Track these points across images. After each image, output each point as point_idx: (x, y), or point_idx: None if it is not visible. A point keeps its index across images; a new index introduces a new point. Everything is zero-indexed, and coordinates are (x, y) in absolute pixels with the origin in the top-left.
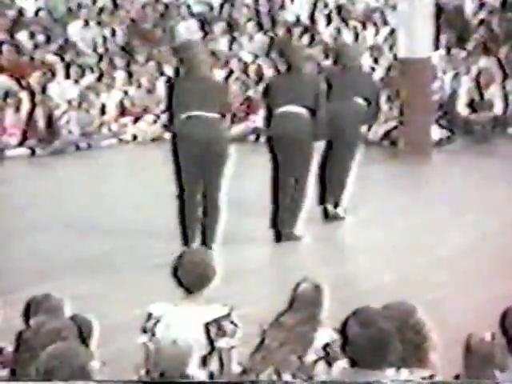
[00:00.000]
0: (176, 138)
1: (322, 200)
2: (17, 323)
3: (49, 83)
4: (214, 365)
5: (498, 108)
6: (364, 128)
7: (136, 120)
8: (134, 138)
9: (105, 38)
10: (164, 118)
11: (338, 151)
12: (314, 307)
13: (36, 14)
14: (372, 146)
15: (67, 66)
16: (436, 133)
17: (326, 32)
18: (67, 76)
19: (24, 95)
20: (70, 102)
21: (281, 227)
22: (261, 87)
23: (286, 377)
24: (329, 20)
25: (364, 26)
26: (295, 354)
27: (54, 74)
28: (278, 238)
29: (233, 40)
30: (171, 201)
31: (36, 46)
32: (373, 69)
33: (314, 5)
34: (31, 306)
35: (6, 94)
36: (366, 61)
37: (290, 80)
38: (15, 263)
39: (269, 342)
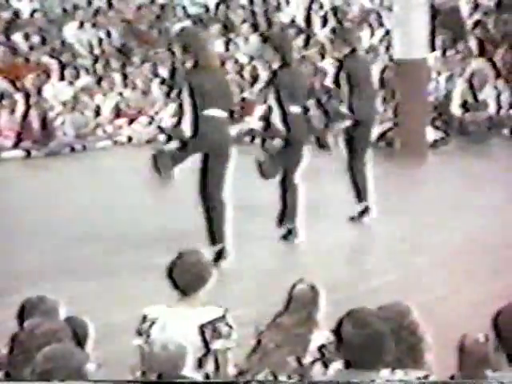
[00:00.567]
0: (194, 137)
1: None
2: (11, 325)
3: (44, 85)
4: (209, 367)
5: (492, 109)
6: None
7: (131, 122)
8: (129, 139)
9: (100, 40)
10: (158, 119)
11: None
12: (310, 308)
13: (31, 15)
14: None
15: (62, 68)
16: (431, 134)
17: (321, 33)
18: (62, 78)
19: (19, 97)
20: (64, 104)
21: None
22: (256, 88)
23: (283, 378)
24: (324, 21)
25: (359, 27)
26: (292, 355)
27: (49, 76)
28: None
29: (228, 41)
30: (166, 203)
31: (31, 48)
32: None
33: (310, 6)
34: (26, 307)
35: (1, 96)
36: None
37: (295, 76)
38: (10, 265)
39: (265, 344)
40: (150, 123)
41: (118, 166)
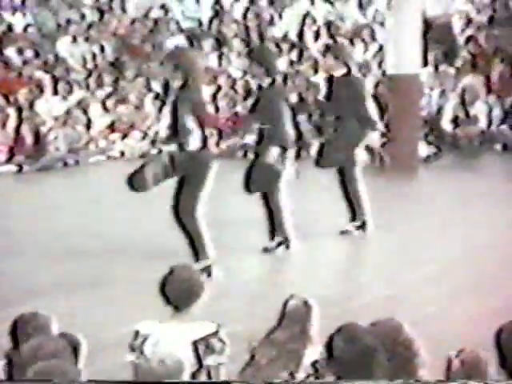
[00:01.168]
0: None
1: None
2: (3, 341)
3: (36, 99)
4: None
5: (483, 124)
6: None
7: (124, 136)
8: (122, 154)
9: (94, 54)
10: (152, 134)
11: None
12: (304, 324)
13: (25, 29)
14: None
15: (55, 82)
16: (423, 149)
17: (314, 48)
18: (55, 92)
19: (11, 111)
20: (57, 119)
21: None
22: (248, 103)
23: None
24: (317, 36)
25: (352, 43)
26: (285, 370)
27: (42, 90)
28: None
29: (221, 55)
30: (158, 217)
31: (25, 62)
32: None
33: (303, 21)
34: (18, 323)
35: None
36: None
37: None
38: (2, 282)
39: (259, 359)
40: (143, 138)
41: (111, 181)
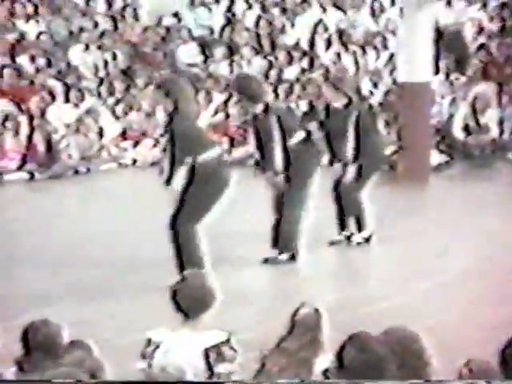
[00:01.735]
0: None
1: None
2: (15, 349)
3: (48, 107)
4: None
5: (495, 133)
6: None
7: (135, 144)
8: (134, 162)
9: (106, 62)
10: (163, 141)
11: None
12: (315, 332)
13: (37, 37)
14: None
15: (67, 90)
16: (435, 157)
17: (325, 56)
18: (67, 100)
19: (23, 119)
20: (69, 126)
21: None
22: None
23: None
24: (328, 44)
25: (364, 50)
26: (296, 378)
27: (53, 98)
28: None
29: (233, 63)
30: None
31: (37, 70)
32: (371, 93)
33: (315, 29)
34: (29, 331)
35: (6, 118)
36: (365, 85)
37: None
38: (13, 288)
39: (270, 367)
40: (155, 146)
41: (122, 189)
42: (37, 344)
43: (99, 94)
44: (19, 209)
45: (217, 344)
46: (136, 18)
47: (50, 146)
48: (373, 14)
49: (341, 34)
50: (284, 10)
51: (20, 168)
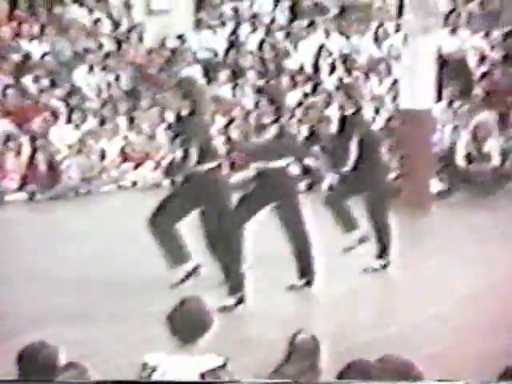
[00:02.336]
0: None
1: None
2: (11, 370)
3: (50, 128)
4: None
5: (497, 161)
6: None
7: (136, 166)
8: (134, 184)
9: (109, 83)
10: (165, 164)
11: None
12: (312, 358)
13: (42, 57)
14: None
15: (70, 111)
16: (436, 185)
17: (328, 81)
18: (69, 121)
19: (25, 140)
20: (70, 147)
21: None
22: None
23: None
24: (332, 69)
25: (367, 76)
26: None
27: (56, 119)
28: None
29: (235, 87)
30: None
31: (41, 91)
32: (374, 119)
33: (319, 53)
34: (26, 353)
35: (7, 138)
36: (367, 111)
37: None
38: (10, 309)
39: None
40: (156, 168)
41: (122, 211)
42: (34, 366)
43: (102, 116)
44: (19, 229)
45: (213, 368)
46: (140, 39)
47: (51, 166)
48: (376, 39)
49: (344, 59)
50: (288, 34)
51: (21, 188)
